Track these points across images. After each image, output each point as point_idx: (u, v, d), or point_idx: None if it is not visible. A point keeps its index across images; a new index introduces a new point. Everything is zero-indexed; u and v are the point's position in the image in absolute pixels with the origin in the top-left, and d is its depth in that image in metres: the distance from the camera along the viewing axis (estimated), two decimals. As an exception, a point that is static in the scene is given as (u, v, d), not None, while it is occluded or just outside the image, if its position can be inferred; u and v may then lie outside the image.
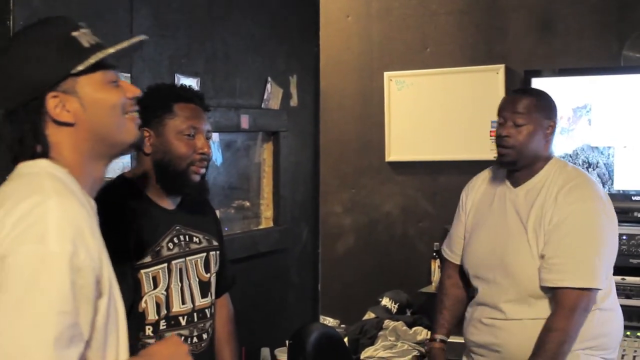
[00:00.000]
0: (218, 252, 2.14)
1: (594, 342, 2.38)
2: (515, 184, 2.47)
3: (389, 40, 4.41)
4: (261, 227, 3.44)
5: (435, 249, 4.06)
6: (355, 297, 4.40)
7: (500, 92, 3.94)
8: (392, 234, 4.45)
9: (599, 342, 2.40)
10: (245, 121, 3.15)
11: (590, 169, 3.60)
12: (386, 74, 4.36)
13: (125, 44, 1.36)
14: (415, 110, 4.29)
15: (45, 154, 1.32)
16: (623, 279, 3.35)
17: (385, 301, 4.16)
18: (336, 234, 4.55)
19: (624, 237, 3.35)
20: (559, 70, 3.79)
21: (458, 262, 2.66)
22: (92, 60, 1.31)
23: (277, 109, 3.39)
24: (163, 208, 2.02)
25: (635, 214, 3.48)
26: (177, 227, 2.03)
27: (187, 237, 2.05)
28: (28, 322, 1.15)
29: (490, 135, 3.93)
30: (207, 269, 2.09)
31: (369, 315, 4.12)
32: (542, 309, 2.34)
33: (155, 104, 1.98)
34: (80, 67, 1.31)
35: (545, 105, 2.47)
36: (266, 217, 3.46)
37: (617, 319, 2.48)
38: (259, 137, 3.44)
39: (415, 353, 3.64)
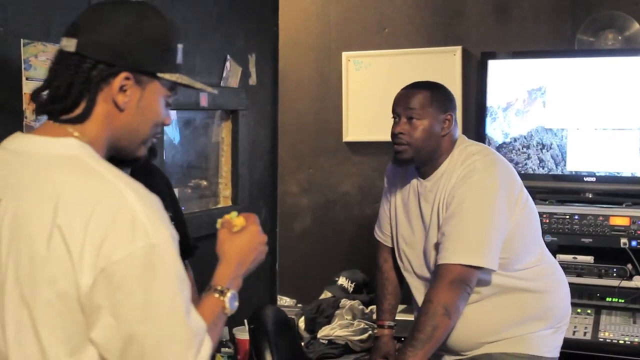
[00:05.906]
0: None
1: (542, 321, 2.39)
2: (423, 176, 2.42)
3: (347, 20, 4.41)
4: (219, 206, 3.43)
5: (391, 228, 4.09)
6: (312, 277, 4.42)
7: (457, 73, 3.98)
8: (349, 214, 4.48)
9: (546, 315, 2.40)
10: (204, 99, 3.13)
11: (544, 150, 3.67)
12: (344, 54, 4.37)
13: (199, 85, 1.44)
14: (372, 91, 4.30)
15: (84, 116, 1.31)
16: (574, 258, 3.43)
17: (342, 280, 4.18)
18: (293, 214, 4.56)
19: (576, 217, 3.43)
20: (514, 52, 3.84)
21: (390, 245, 2.64)
22: (175, 78, 1.38)
23: (236, 87, 3.37)
24: None
25: (587, 194, 3.56)
26: None
27: None
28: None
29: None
30: None
31: (326, 294, 4.15)
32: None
33: None
34: (164, 76, 1.36)
35: (439, 99, 2.38)
36: (224, 196, 3.45)
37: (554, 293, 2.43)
38: (217, 116, 3.42)
39: (372, 332, 3.68)
